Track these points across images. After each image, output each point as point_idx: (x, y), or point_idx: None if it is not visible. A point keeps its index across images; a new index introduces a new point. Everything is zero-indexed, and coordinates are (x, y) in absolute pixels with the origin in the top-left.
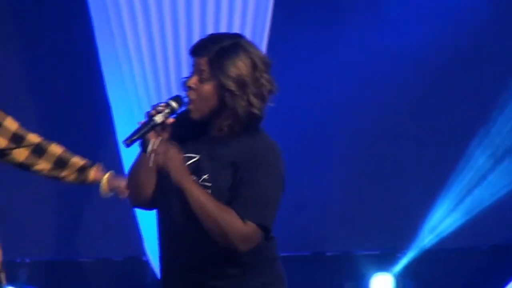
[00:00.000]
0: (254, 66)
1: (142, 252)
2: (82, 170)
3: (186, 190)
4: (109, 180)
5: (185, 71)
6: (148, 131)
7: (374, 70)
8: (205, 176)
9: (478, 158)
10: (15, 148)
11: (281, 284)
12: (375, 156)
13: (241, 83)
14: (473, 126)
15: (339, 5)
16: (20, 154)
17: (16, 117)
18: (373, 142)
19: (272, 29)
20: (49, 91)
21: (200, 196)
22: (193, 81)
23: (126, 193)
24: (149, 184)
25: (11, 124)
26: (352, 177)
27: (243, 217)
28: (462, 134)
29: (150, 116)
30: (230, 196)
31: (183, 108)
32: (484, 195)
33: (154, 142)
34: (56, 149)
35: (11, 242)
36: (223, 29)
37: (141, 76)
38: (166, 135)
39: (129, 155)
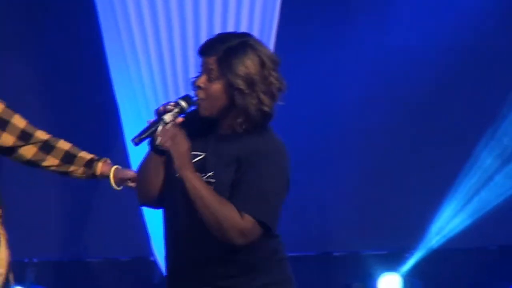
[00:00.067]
0: (262, 64)
1: (150, 252)
2: (90, 164)
3: (186, 179)
4: (115, 172)
5: (193, 71)
6: (156, 130)
7: (382, 70)
8: (210, 174)
9: (485, 159)
10: (23, 145)
11: (289, 284)
12: (382, 156)
13: (250, 82)
14: (480, 127)
15: (347, 4)
16: (28, 151)
17: (25, 118)
18: (381, 143)
19: (279, 28)
20: (57, 92)
21: (199, 186)
22: (202, 80)
23: (136, 184)
24: (157, 182)
25: (20, 121)
26: (359, 177)
27: (241, 211)
28: (470, 135)
29: (159, 115)
30: (231, 191)
31: (192, 108)
32: (491, 195)
33: (166, 119)
34: (63, 145)
35: (19, 242)
36: (230, 28)
37: (149, 76)
38: (179, 119)
39: (137, 155)
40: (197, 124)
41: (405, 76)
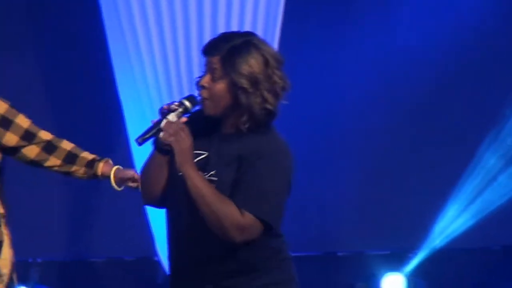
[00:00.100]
0: (266, 63)
1: (154, 252)
2: (91, 164)
3: (187, 175)
4: (116, 172)
5: (197, 71)
6: (160, 130)
7: (382, 70)
8: (212, 172)
9: (489, 159)
10: (26, 145)
11: (292, 284)
12: (386, 156)
13: (254, 81)
14: (483, 127)
15: (347, 4)
16: (31, 151)
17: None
18: (384, 142)
19: (283, 28)
20: (60, 92)
21: (200, 183)
22: (205, 80)
23: (136, 184)
24: (161, 182)
25: (23, 121)
26: (363, 178)
27: (240, 208)
28: (473, 135)
29: (163, 115)
30: (232, 189)
31: (196, 108)
32: (495, 195)
33: (170, 119)
34: (66, 145)
35: (23, 242)
36: (234, 28)
37: (153, 76)
38: (183, 119)
39: (141, 155)
40: (201, 124)
41: (405, 76)
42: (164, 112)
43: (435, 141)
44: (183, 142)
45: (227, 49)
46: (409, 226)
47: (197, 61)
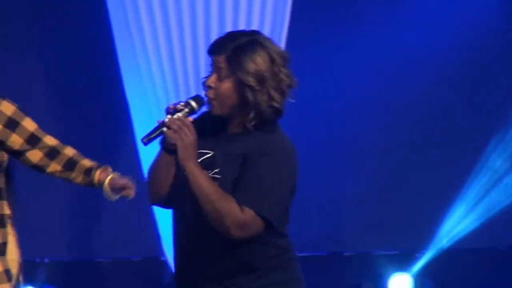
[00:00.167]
0: (272, 61)
1: (161, 252)
2: (89, 172)
3: (188, 170)
4: (110, 180)
5: (203, 70)
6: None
7: (391, 70)
8: (216, 170)
9: (495, 160)
10: (30, 149)
11: (297, 284)
12: (393, 157)
13: (260, 78)
14: (490, 128)
15: (347, 4)
16: (35, 156)
17: (35, 117)
18: (391, 143)
19: (290, 27)
20: (67, 91)
21: (201, 178)
22: (212, 80)
23: (130, 193)
24: (167, 182)
25: (30, 124)
26: (370, 177)
27: (241, 204)
28: (479, 136)
29: (169, 114)
30: (234, 185)
31: (202, 108)
32: (501, 196)
33: (175, 116)
34: (68, 151)
35: (30, 242)
36: (241, 27)
37: (160, 75)
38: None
39: (148, 155)
40: (209, 124)
41: (415, 77)
42: (170, 112)
43: (435, 141)
44: (186, 138)
45: (232, 48)
46: (416, 226)
47: (204, 61)
